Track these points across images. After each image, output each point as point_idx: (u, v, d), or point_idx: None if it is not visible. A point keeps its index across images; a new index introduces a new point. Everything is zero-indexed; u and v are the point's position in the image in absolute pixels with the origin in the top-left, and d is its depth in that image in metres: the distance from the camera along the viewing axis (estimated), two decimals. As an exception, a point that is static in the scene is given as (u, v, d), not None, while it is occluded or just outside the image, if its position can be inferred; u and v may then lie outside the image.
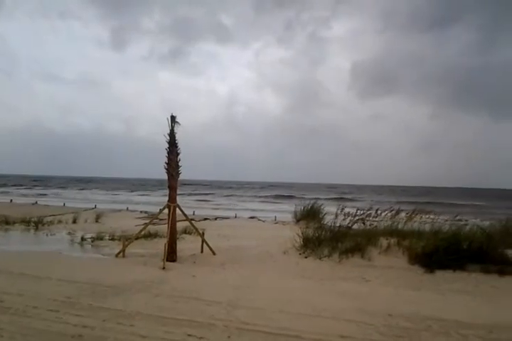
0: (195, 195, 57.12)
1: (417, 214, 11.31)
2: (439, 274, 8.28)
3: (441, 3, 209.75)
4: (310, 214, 17.45)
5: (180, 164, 9.91)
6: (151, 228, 12.57)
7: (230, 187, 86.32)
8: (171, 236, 9.55)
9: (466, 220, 11.63)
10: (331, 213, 12.17)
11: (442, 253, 8.45)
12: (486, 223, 10.84)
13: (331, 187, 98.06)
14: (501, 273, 8.13)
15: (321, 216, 16.73)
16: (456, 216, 11.70)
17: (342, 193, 71.08)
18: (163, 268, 8.58)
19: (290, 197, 54.03)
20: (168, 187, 9.97)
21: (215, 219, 20.60)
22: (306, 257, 9.62)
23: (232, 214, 24.30)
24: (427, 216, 11.46)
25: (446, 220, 10.94)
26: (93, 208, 25.01)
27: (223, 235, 13.34)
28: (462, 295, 7.09)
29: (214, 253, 10.10)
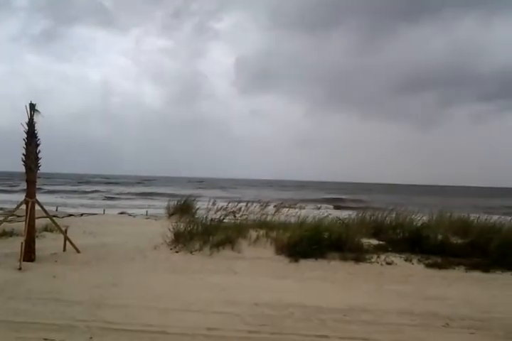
0: (61, 190, 53.30)
1: (284, 206, 11.91)
2: (303, 263, 8.79)
3: (327, 5, 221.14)
4: (183, 209, 17.32)
5: (40, 156, 9.17)
6: (7, 226, 11.42)
7: (101, 182, 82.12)
8: (28, 234, 8.80)
9: (329, 213, 12.49)
10: (204, 207, 12.23)
11: (306, 243, 8.98)
12: (345, 215, 11.74)
13: (208, 182, 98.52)
14: (357, 260, 8.88)
15: (193, 210, 16.72)
16: (319, 208, 12.57)
17: (220, 187, 71.75)
18: (20, 268, 7.87)
19: (165, 191, 52.89)
20: (26, 181, 9.16)
21: (81, 215, 19.34)
22: (177, 252, 9.54)
23: (100, 209, 23.14)
24: (294, 208, 12.13)
25: (311, 212, 11.66)
26: None
27: (89, 232, 12.60)
28: (322, 282, 7.64)
29: (78, 252, 9.51)
